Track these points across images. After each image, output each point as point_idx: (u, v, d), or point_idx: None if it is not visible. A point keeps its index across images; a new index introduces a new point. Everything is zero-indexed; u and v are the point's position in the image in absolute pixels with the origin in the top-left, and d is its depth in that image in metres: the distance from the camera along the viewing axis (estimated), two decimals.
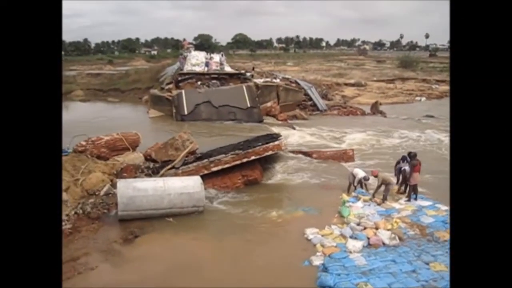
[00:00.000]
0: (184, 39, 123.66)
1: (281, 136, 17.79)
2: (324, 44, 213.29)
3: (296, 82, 37.44)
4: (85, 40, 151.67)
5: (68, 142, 16.88)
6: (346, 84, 52.89)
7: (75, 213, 12.79)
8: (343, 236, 11.56)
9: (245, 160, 15.80)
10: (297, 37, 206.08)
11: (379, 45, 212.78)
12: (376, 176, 14.40)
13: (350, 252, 10.50)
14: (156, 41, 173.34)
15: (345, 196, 14.32)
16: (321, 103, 36.63)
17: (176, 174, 15.23)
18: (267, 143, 16.45)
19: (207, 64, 37.72)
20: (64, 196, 13.32)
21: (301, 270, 9.97)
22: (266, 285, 9.23)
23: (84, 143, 16.60)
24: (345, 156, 19.77)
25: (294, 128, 27.46)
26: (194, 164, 15.65)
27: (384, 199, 13.99)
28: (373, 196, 14.21)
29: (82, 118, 31.56)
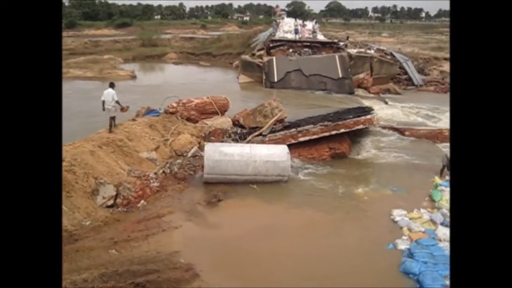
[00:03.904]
0: (277, 6, 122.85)
1: (373, 110, 17.12)
2: (423, 14, 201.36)
3: (391, 54, 35.70)
4: (181, 4, 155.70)
5: (160, 103, 17.42)
6: (445, 59, 49.39)
7: (163, 172, 13.19)
8: (433, 221, 10.92)
9: (334, 132, 15.41)
10: (394, 6, 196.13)
11: None
12: None
13: (440, 240, 9.85)
14: (249, 7, 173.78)
15: (437, 179, 13.51)
16: (417, 77, 34.76)
17: (262, 142, 15.20)
18: (358, 116, 15.91)
19: (296, 31, 37.18)
20: (154, 155, 13.80)
21: (384, 253, 9.56)
22: (345, 264, 9.00)
23: (175, 104, 17.04)
24: (440, 136, 18.63)
25: (386, 103, 26.30)
26: (282, 132, 15.52)
27: None
28: None
29: (174, 80, 32.60)
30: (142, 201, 11.43)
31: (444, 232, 10.10)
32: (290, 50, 33.00)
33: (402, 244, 9.77)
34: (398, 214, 11.21)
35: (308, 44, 33.99)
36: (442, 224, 10.69)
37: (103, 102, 13.84)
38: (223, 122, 17.11)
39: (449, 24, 4.20)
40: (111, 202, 11.03)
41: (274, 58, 30.49)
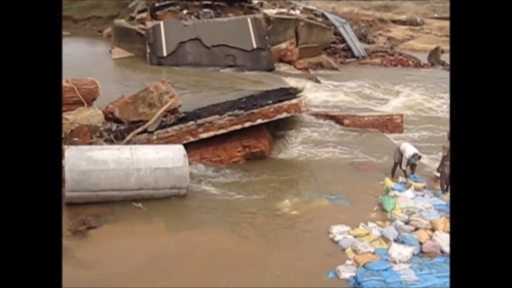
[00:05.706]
0: None
1: (301, 91, 17.55)
2: None
3: (323, 16, 36.92)
4: None
5: None
6: (394, 22, 52.14)
7: None
8: (384, 238, 11.43)
9: (248, 124, 15.66)
10: None
11: None
12: None
13: (395, 262, 10.34)
14: None
15: (388, 182, 14.15)
16: (358, 47, 36.28)
17: (149, 141, 15.14)
18: (280, 101, 16.27)
19: None
20: None
21: (322, 284, 9.84)
22: None
23: None
24: (391, 124, 19.61)
25: (318, 81, 27.22)
26: (175, 127, 15.53)
27: (447, 186, 13.67)
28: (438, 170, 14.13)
29: None
30: None
31: (399, 251, 10.59)
32: (184, 11, 33.02)
33: (346, 271, 10.07)
34: (339, 232, 11.59)
35: (209, 3, 34.17)
36: (396, 241, 11.19)
37: None
38: (90, 115, 16.73)
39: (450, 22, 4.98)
40: None
41: (161, 23, 30.37)
